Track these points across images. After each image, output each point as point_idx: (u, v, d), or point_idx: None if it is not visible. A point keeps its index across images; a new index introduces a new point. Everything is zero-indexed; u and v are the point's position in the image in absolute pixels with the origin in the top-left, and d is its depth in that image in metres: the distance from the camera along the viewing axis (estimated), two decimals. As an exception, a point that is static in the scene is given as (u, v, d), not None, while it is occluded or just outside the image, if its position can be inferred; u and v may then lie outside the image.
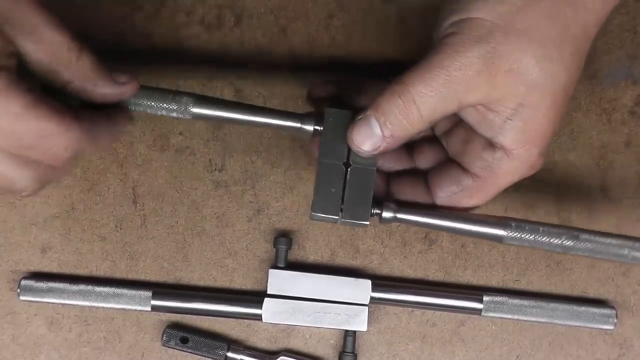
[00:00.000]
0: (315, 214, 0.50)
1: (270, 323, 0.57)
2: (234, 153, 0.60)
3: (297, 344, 0.59)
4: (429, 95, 0.45)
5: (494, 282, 0.59)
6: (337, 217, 0.50)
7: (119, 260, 0.59)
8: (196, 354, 0.58)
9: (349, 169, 0.50)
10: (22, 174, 0.44)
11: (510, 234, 0.49)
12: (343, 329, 0.57)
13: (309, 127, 0.51)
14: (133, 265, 0.59)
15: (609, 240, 0.50)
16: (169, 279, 0.59)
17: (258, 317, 0.57)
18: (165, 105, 0.51)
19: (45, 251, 0.59)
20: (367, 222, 0.50)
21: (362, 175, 0.50)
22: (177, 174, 0.60)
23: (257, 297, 0.57)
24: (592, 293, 0.59)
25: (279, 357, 0.58)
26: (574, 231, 0.50)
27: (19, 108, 0.41)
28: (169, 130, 0.60)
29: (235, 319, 0.59)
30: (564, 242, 0.50)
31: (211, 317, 0.59)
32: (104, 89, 0.47)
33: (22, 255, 0.59)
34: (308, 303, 0.57)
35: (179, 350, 0.58)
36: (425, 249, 0.60)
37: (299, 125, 0.51)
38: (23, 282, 0.57)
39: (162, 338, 0.57)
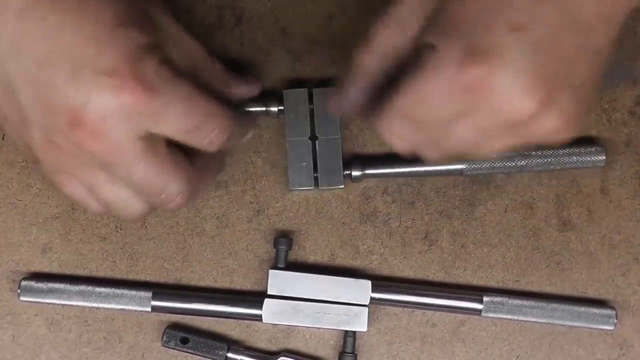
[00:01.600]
0: (293, 188, 0.57)
1: (271, 324, 0.57)
2: (234, 153, 0.60)
3: (297, 345, 0.59)
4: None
5: (493, 283, 0.59)
6: (312, 187, 0.57)
7: (119, 261, 0.59)
8: (196, 355, 0.58)
9: (317, 142, 0.57)
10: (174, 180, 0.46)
11: None
12: (343, 330, 0.57)
13: (274, 108, 0.57)
14: (133, 266, 0.59)
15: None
16: (169, 279, 0.59)
17: (258, 318, 0.57)
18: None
19: (46, 251, 0.59)
20: (342, 185, 0.57)
21: (330, 144, 0.57)
22: (177, 174, 0.60)
23: (257, 297, 0.58)
24: (592, 293, 0.59)
25: (279, 357, 0.58)
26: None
27: (188, 92, 0.44)
28: (169, 131, 0.60)
29: (235, 320, 0.59)
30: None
31: (211, 318, 0.59)
32: (238, 89, 0.55)
33: (22, 255, 0.59)
34: (308, 303, 0.57)
35: (179, 350, 0.58)
36: (425, 249, 0.60)
37: (264, 108, 0.58)
38: (23, 283, 0.57)
39: (162, 338, 0.58)
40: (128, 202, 0.47)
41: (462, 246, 0.60)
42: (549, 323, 0.57)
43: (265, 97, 0.58)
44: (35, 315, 0.59)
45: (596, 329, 0.58)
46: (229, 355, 0.57)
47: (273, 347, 0.59)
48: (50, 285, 0.57)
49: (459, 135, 0.44)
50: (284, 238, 0.58)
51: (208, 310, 0.57)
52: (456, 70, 0.41)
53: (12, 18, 0.42)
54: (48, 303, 0.58)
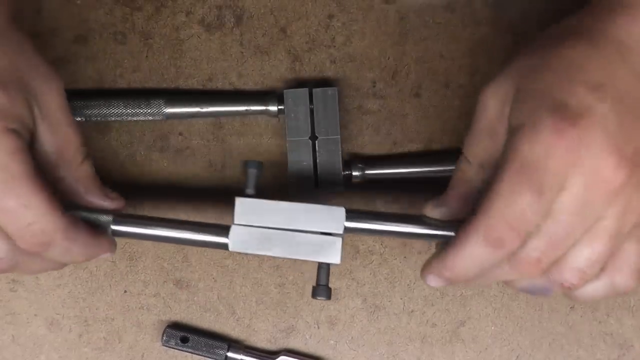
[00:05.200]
0: (292, 189, 0.57)
1: (237, 252, 0.52)
2: (234, 153, 0.60)
3: (297, 344, 0.59)
4: None
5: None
6: (312, 187, 0.57)
7: (119, 261, 0.59)
8: (196, 354, 0.58)
9: (316, 142, 0.57)
10: None
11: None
12: (315, 261, 0.52)
13: (274, 108, 0.57)
14: (133, 266, 0.59)
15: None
16: (169, 279, 0.59)
17: (224, 246, 0.51)
18: (139, 110, 0.57)
19: (45, 251, 0.59)
20: (342, 186, 0.57)
21: (329, 144, 0.57)
22: (177, 174, 0.60)
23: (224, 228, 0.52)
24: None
25: (278, 357, 0.58)
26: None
27: (18, 172, 0.42)
28: (169, 131, 0.60)
29: (235, 320, 0.59)
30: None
31: (211, 317, 0.59)
32: (92, 198, 0.49)
33: (22, 255, 0.59)
34: (278, 232, 0.51)
35: (179, 350, 0.58)
36: (425, 249, 0.60)
37: (264, 107, 0.57)
38: None
39: (162, 338, 0.58)
40: None
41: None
42: None
43: (265, 96, 0.58)
44: (35, 315, 0.59)
45: None
46: (229, 354, 0.57)
47: (273, 347, 0.59)
48: None
49: (565, 207, 0.41)
50: (254, 161, 0.53)
51: (170, 236, 0.51)
52: (552, 135, 0.40)
53: None
54: None
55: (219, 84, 0.60)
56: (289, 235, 0.51)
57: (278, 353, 0.59)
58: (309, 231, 0.51)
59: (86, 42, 0.59)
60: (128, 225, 0.51)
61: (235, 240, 0.51)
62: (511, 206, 0.41)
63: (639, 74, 0.43)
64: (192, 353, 0.58)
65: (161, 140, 0.60)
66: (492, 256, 0.43)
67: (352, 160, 0.59)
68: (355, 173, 0.58)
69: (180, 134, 0.60)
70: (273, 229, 0.51)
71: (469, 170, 0.47)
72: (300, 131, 0.57)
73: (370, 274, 0.59)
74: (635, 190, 0.41)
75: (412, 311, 0.59)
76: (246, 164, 0.52)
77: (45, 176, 0.45)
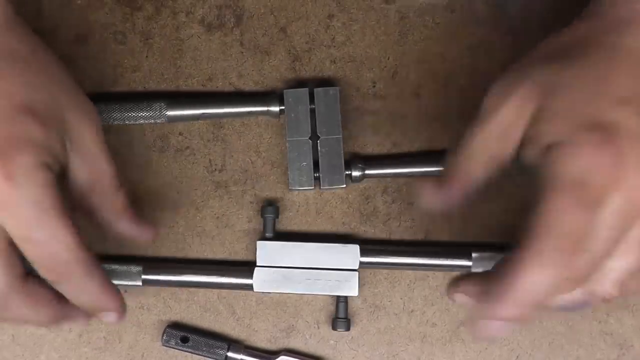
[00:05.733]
0: (293, 188, 0.57)
1: (262, 292, 0.58)
2: (234, 153, 0.60)
3: (297, 344, 0.59)
4: None
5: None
6: (312, 187, 0.57)
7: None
8: (196, 354, 0.58)
9: (318, 141, 0.57)
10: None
11: None
12: (335, 295, 0.57)
13: (275, 108, 0.57)
14: (133, 265, 0.59)
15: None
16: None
17: (249, 287, 0.57)
18: (140, 114, 0.58)
19: (45, 251, 0.59)
20: (344, 185, 0.57)
21: (331, 144, 0.57)
22: (177, 174, 0.60)
23: (247, 267, 0.58)
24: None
25: (278, 357, 0.58)
26: None
27: (49, 205, 0.43)
28: (169, 130, 0.60)
29: (235, 319, 0.59)
30: None
31: (211, 316, 0.59)
32: (125, 227, 0.50)
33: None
34: (298, 271, 0.57)
35: (179, 350, 0.58)
36: (425, 249, 0.60)
37: (265, 108, 0.57)
38: None
39: (162, 338, 0.58)
40: None
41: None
42: None
43: (267, 97, 0.58)
44: (35, 315, 0.59)
45: None
46: (229, 354, 0.57)
47: (273, 347, 0.59)
48: None
49: (607, 222, 0.41)
50: (271, 206, 0.58)
51: (199, 281, 0.57)
52: (593, 151, 0.41)
53: None
54: None
55: (219, 84, 0.60)
56: (308, 273, 0.57)
57: (278, 353, 0.59)
58: (327, 268, 0.57)
59: (86, 42, 0.59)
60: (158, 274, 0.57)
61: (259, 281, 0.57)
62: (566, 223, 0.41)
63: None
64: (192, 353, 0.58)
65: (161, 140, 0.60)
66: (555, 279, 0.41)
67: (352, 160, 0.59)
68: (355, 173, 0.58)
69: (180, 133, 0.60)
70: (293, 268, 0.57)
71: (469, 164, 0.47)
72: (301, 131, 0.57)
73: (370, 273, 0.59)
74: None
75: (412, 311, 0.59)
76: (263, 211, 0.58)
77: (80, 205, 0.48)
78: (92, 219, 0.49)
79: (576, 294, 0.44)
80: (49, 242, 0.43)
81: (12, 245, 0.44)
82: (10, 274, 0.45)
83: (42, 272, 0.44)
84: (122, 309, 0.49)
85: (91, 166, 0.47)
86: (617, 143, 0.41)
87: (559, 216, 0.41)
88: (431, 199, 0.48)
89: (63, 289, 0.46)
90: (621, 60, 0.43)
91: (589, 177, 0.41)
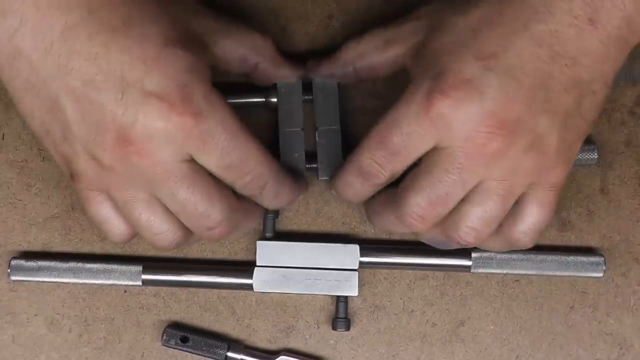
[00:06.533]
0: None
1: (262, 292, 0.58)
2: (234, 153, 0.60)
3: (297, 344, 0.59)
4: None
5: (493, 282, 0.60)
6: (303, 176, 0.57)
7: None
8: (196, 354, 0.58)
9: (316, 132, 0.56)
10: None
11: None
12: (335, 295, 0.57)
13: (274, 99, 0.57)
14: (133, 265, 0.59)
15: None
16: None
17: (249, 287, 0.57)
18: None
19: (45, 251, 0.59)
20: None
21: (330, 135, 0.56)
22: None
23: (247, 267, 0.58)
24: (590, 291, 0.59)
25: (278, 357, 0.58)
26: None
27: (237, 130, 0.45)
28: (169, 130, 0.60)
29: (235, 319, 0.59)
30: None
31: (211, 316, 0.59)
32: (284, 71, 0.55)
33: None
34: (298, 271, 0.57)
35: (179, 349, 0.58)
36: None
37: (263, 99, 0.57)
38: (13, 262, 0.57)
39: (162, 338, 0.58)
40: (161, 228, 0.47)
41: (462, 246, 0.60)
42: (539, 275, 0.57)
43: (265, 89, 0.57)
44: (35, 314, 0.59)
45: (585, 276, 0.57)
46: (229, 354, 0.57)
47: (273, 347, 0.59)
48: (40, 263, 0.57)
49: (431, 167, 0.45)
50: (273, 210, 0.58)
51: (199, 281, 0.57)
52: (425, 103, 0.44)
53: (57, 37, 0.42)
54: (38, 281, 0.58)
55: (219, 80, 0.59)
56: (308, 273, 0.57)
57: (278, 353, 0.59)
58: (327, 268, 0.57)
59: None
60: (158, 274, 0.57)
61: (259, 281, 0.57)
62: (375, 150, 0.47)
63: (540, 42, 0.43)
64: (192, 353, 0.58)
65: (161, 140, 0.60)
66: (363, 186, 0.49)
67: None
68: None
69: (180, 133, 0.60)
70: (293, 268, 0.57)
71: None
72: (293, 122, 0.57)
73: (370, 273, 0.59)
74: (522, 155, 0.44)
75: (412, 311, 0.59)
76: (265, 212, 0.57)
77: (246, 66, 0.53)
78: (256, 75, 0.54)
79: (436, 233, 0.49)
80: (247, 163, 0.46)
81: (212, 176, 0.46)
82: (227, 201, 0.47)
83: (243, 190, 0.48)
84: (306, 189, 0.56)
85: (237, 40, 0.52)
86: (452, 98, 0.43)
87: (372, 145, 0.47)
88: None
89: (261, 199, 0.50)
90: (504, 13, 0.44)
91: (409, 126, 0.45)
